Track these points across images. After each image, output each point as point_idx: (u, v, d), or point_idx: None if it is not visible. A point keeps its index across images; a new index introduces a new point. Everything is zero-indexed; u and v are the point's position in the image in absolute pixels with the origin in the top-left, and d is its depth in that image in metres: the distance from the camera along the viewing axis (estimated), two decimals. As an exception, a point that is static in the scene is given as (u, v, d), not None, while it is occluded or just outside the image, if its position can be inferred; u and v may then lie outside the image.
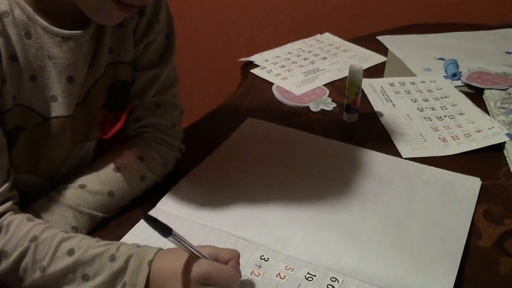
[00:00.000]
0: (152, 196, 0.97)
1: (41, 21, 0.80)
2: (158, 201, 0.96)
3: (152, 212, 0.94)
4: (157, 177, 1.00)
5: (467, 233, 0.91)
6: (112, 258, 0.75)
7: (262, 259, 0.86)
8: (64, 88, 0.85)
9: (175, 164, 1.04)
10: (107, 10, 0.78)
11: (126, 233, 0.90)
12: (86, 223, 0.89)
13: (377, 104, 1.29)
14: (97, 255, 0.75)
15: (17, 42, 0.79)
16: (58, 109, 0.86)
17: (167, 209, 0.95)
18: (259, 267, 0.84)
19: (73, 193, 0.90)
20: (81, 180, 0.92)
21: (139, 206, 0.96)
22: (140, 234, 0.89)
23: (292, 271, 0.84)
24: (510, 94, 1.30)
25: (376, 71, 1.47)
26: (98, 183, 0.92)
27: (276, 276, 0.83)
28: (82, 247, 0.76)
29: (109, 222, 0.93)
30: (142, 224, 0.90)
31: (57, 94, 0.85)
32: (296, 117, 1.24)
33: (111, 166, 0.95)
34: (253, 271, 0.83)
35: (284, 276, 0.83)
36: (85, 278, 0.74)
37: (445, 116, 1.24)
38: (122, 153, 0.97)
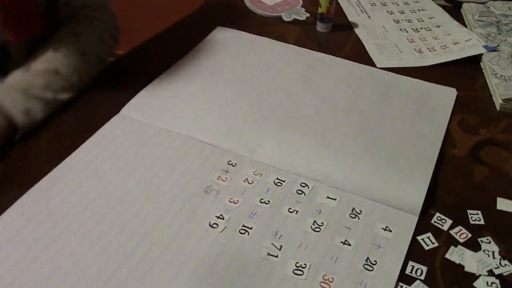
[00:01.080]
0: (118, 103, 0.93)
1: None
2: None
3: (117, 118, 0.90)
4: (96, 54, 0.98)
5: (441, 141, 0.88)
6: None
7: (230, 164, 0.82)
8: None
9: (115, 43, 1.03)
10: None
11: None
12: (38, 107, 0.87)
13: (352, 15, 1.25)
14: None
15: None
16: None
17: (132, 115, 0.91)
18: (226, 172, 0.81)
19: (19, 78, 0.88)
20: (26, 64, 0.89)
21: (104, 111, 0.91)
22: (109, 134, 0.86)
23: (260, 176, 0.81)
24: (488, 7, 1.26)
25: (351, -17, 1.41)
26: (42, 62, 0.90)
27: (244, 181, 0.80)
28: None
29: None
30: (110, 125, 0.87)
31: None
32: (268, 27, 1.19)
33: (51, 46, 0.92)
34: (219, 176, 0.80)
35: (252, 181, 0.80)
36: None
37: (421, 28, 1.20)
38: (58, 35, 0.95)
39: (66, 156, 0.82)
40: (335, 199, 0.77)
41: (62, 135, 0.88)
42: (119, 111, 0.92)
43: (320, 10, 1.16)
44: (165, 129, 0.88)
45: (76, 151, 0.83)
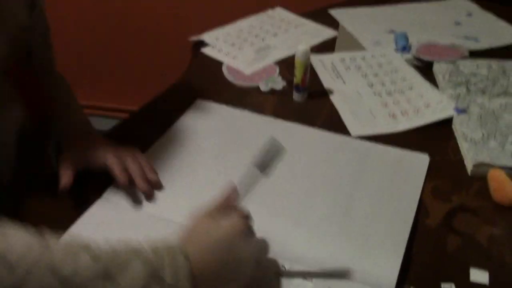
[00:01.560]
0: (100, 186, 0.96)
1: None
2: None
3: (99, 203, 0.92)
4: None
5: (414, 213, 0.91)
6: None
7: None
8: None
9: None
10: None
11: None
12: None
13: (328, 81, 1.29)
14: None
15: None
16: None
17: (115, 199, 0.93)
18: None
19: None
20: None
21: (88, 195, 0.94)
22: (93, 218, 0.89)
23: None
24: (458, 67, 1.30)
25: (327, 46, 1.46)
26: None
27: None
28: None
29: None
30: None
31: None
32: (246, 98, 1.23)
33: None
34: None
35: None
36: None
37: (394, 91, 1.24)
38: None
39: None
40: (311, 281, 0.80)
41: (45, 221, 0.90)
42: (102, 194, 0.94)
43: (295, 81, 1.20)
44: (146, 212, 0.91)
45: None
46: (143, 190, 0.93)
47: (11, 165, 0.99)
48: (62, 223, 0.89)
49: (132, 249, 0.62)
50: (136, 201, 0.93)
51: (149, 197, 0.93)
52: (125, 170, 0.94)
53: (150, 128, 1.11)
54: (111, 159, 0.94)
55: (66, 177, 0.92)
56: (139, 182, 0.93)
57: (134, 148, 1.00)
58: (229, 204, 0.73)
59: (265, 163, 0.76)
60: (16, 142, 0.99)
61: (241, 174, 0.77)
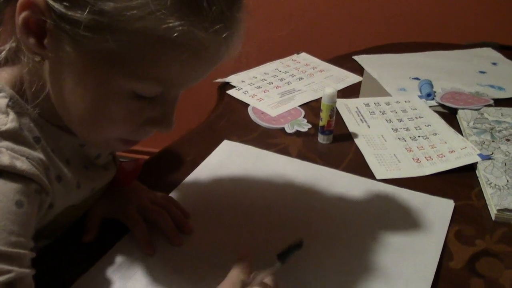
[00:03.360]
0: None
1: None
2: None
3: (124, 241, 0.94)
4: None
5: (438, 257, 0.91)
6: None
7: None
8: (85, 175, 0.86)
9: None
10: (112, 146, 0.81)
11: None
12: None
13: (352, 125, 1.31)
14: None
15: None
16: (83, 193, 0.86)
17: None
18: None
19: None
20: None
21: (113, 235, 0.96)
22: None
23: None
24: (482, 114, 1.31)
25: (351, 91, 1.48)
26: None
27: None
28: None
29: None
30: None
31: (80, 181, 0.84)
32: (272, 139, 1.25)
33: None
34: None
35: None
36: None
37: (419, 137, 1.25)
38: None
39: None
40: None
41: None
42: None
43: (321, 123, 1.22)
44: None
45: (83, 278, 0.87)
46: (174, 245, 0.93)
47: None
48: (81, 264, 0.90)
49: None
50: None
51: (178, 245, 0.93)
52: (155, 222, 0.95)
53: (177, 168, 1.13)
54: (138, 226, 0.93)
55: (90, 234, 0.93)
56: (171, 237, 0.93)
57: (166, 195, 1.02)
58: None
59: (287, 257, 0.80)
60: None
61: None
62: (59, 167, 0.77)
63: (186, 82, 0.73)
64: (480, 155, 1.16)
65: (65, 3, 0.64)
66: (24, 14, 0.66)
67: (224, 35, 0.68)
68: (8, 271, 0.64)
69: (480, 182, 1.11)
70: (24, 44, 0.69)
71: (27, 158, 0.69)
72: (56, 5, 0.64)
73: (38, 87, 0.73)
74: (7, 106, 0.71)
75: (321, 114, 1.21)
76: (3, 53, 0.74)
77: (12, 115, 0.70)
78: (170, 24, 0.63)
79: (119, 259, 0.89)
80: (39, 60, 0.71)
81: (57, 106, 0.75)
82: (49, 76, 0.72)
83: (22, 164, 0.68)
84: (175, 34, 0.64)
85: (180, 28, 0.64)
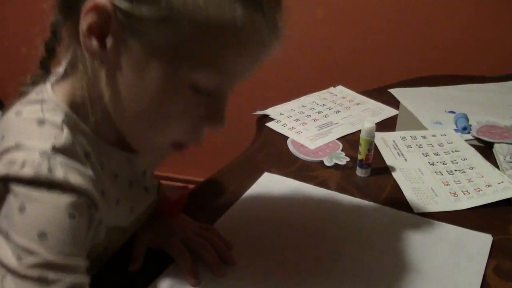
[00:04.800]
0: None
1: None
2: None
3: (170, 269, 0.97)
4: None
5: (478, 290, 0.94)
6: None
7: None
8: (127, 193, 0.90)
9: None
10: (164, 151, 0.86)
11: None
12: None
13: (389, 158, 1.33)
14: None
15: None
16: (122, 211, 0.90)
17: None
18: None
19: None
20: None
21: (157, 265, 0.99)
22: None
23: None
24: (518, 148, 1.33)
25: (388, 124, 1.51)
26: None
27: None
28: None
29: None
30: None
31: (120, 199, 0.88)
32: (311, 171, 1.28)
33: None
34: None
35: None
36: None
37: (455, 171, 1.27)
38: None
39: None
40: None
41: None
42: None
43: (359, 157, 1.25)
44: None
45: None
46: (218, 276, 0.95)
47: None
48: None
49: None
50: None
51: (222, 277, 0.96)
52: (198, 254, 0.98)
53: (219, 198, 1.17)
54: (183, 256, 0.97)
55: (137, 263, 0.96)
56: (215, 269, 0.96)
57: (209, 226, 1.05)
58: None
59: None
60: None
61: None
62: (104, 182, 0.81)
63: (243, 73, 0.77)
64: (517, 189, 1.18)
65: (131, 1, 0.68)
66: (90, 18, 0.70)
67: (278, 25, 0.74)
68: (62, 280, 0.67)
69: (518, 216, 1.12)
70: (87, 48, 0.72)
71: (79, 172, 0.73)
72: (123, 4, 0.68)
73: (94, 98, 0.77)
74: (63, 121, 0.75)
75: (359, 148, 1.24)
76: (62, 67, 0.79)
77: (66, 131, 0.74)
78: (235, 14, 0.68)
79: (166, 289, 0.92)
80: (98, 66, 0.74)
81: (113, 110, 0.78)
82: (107, 79, 0.75)
83: (75, 178, 0.72)
84: (238, 23, 0.68)
85: (243, 17, 0.68)
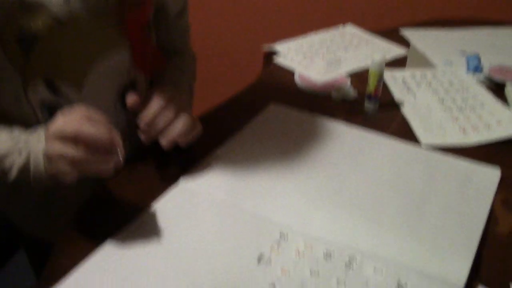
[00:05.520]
0: (175, 175, 0.99)
1: None
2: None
3: (174, 190, 0.96)
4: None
5: (484, 220, 0.92)
6: (19, 153, 0.82)
7: (282, 236, 0.87)
8: None
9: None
10: None
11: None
12: None
13: (398, 95, 1.30)
14: (8, 151, 0.82)
15: None
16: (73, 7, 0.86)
17: (189, 186, 0.97)
18: (279, 243, 0.86)
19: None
20: None
21: (161, 184, 0.98)
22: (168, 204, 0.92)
23: (310, 248, 0.85)
24: (531, 88, 1.30)
25: (398, 64, 1.48)
26: None
27: (295, 253, 0.84)
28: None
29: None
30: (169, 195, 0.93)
31: None
32: (318, 105, 1.26)
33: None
34: (272, 247, 0.85)
35: (303, 252, 0.84)
36: (4, 173, 0.82)
37: (465, 108, 1.25)
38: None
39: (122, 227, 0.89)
40: (382, 272, 0.81)
41: (119, 206, 0.94)
42: (177, 181, 0.98)
43: (368, 90, 1.22)
44: (220, 201, 0.93)
45: (132, 222, 0.89)
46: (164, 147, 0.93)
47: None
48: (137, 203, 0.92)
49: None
50: (210, 189, 0.96)
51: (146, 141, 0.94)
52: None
53: (220, 130, 1.14)
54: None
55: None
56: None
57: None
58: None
59: None
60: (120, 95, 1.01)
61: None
62: None
63: None
64: (528, 126, 1.15)
65: None
66: None
67: None
68: None
69: (528, 153, 1.10)
70: None
71: None
72: None
73: None
74: None
75: (368, 81, 1.21)
76: None
77: None
78: None
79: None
80: None
81: None
82: None
83: None
84: None
85: None
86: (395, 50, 1.55)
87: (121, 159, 0.81)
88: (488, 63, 1.44)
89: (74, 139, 0.77)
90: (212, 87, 2.02)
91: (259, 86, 1.35)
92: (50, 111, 0.92)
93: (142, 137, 0.94)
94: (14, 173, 0.82)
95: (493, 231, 0.91)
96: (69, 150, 0.77)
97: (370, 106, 1.24)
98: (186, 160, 1.04)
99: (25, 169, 0.82)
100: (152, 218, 0.90)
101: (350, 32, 1.67)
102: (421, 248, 0.85)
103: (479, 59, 1.44)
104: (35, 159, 0.81)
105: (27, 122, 0.91)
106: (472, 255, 0.84)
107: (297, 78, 1.37)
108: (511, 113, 1.21)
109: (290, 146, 1.09)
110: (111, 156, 0.80)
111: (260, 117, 1.18)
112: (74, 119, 0.78)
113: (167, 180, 0.99)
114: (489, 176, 1.03)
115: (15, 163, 0.81)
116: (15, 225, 1.12)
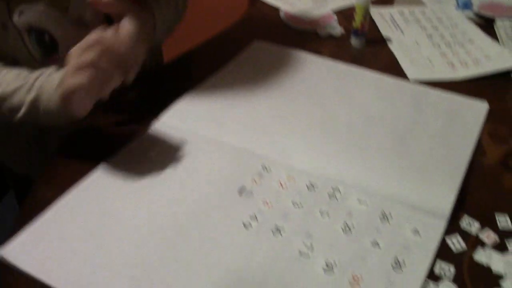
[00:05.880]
0: (156, 110, 0.97)
1: None
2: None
3: (157, 125, 0.94)
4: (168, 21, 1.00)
5: (471, 151, 0.90)
6: (28, 90, 0.81)
7: (264, 168, 0.85)
8: None
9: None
10: None
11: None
12: None
13: (386, 30, 1.28)
14: (17, 88, 0.82)
15: None
16: None
17: (171, 122, 0.94)
18: (261, 176, 0.84)
19: None
20: None
21: (144, 120, 0.96)
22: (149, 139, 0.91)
23: (293, 180, 0.83)
24: (521, 23, 1.27)
25: (386, 1, 1.44)
26: None
27: (277, 184, 0.83)
28: (4, 81, 0.82)
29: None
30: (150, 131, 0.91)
31: None
32: (303, 42, 1.22)
33: None
34: (254, 179, 0.83)
35: (285, 184, 0.83)
36: (12, 111, 0.82)
37: (454, 43, 1.22)
38: None
39: (105, 160, 0.87)
40: (365, 202, 0.80)
41: (101, 140, 0.92)
42: (158, 117, 0.96)
43: (354, 25, 1.19)
44: (202, 135, 0.91)
45: (116, 156, 0.87)
46: None
47: None
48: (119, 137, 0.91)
49: None
50: (192, 125, 0.94)
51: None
52: None
53: (207, 64, 1.12)
54: None
55: None
56: None
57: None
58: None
59: None
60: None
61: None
62: None
63: None
64: (517, 60, 1.13)
65: None
66: None
67: None
68: None
69: (516, 86, 1.08)
70: None
71: None
72: None
73: None
74: None
75: (354, 16, 1.18)
76: None
77: None
78: None
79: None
80: None
81: None
82: None
83: None
84: None
85: None
86: (383, -12, 1.51)
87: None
88: (478, 0, 1.41)
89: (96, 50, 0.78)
90: (198, 25, 1.97)
91: (245, 23, 1.32)
92: (38, 37, 0.90)
93: None
94: (23, 109, 0.81)
95: (479, 162, 0.89)
96: (92, 57, 0.77)
97: (356, 41, 1.21)
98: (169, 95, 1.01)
99: (34, 106, 0.81)
100: (135, 153, 0.88)
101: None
102: (406, 179, 0.83)
103: (469, -5, 1.40)
104: (47, 95, 0.80)
105: (15, 49, 0.89)
106: (458, 186, 0.82)
107: (282, 16, 1.34)
108: (500, 48, 1.19)
109: (274, 81, 1.06)
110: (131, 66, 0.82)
111: (244, 54, 1.16)
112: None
113: (148, 118, 0.96)
114: (476, 109, 1.01)
115: (26, 99, 0.81)
116: (4, 165, 1.10)
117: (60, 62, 0.84)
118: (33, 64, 0.88)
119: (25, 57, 0.90)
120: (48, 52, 0.91)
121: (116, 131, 0.94)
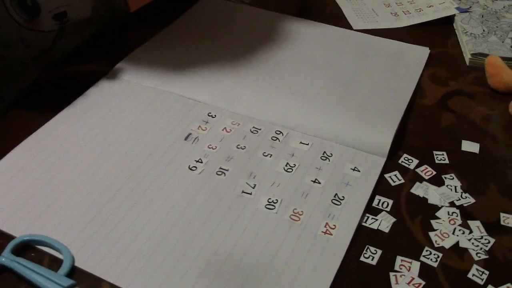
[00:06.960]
0: (106, 64, 0.98)
1: None
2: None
3: (106, 78, 0.94)
4: None
5: (411, 93, 0.93)
6: None
7: (210, 115, 0.87)
8: None
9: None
10: None
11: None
12: None
13: (331, -16, 1.29)
14: None
15: None
16: None
17: (120, 75, 0.95)
18: (206, 122, 0.85)
19: None
20: None
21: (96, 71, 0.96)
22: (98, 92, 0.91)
23: (238, 125, 0.85)
24: (463, -28, 1.30)
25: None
26: None
27: (223, 130, 0.84)
28: None
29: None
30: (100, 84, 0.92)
31: None
32: (251, -4, 1.24)
33: None
34: (200, 126, 0.85)
35: (230, 129, 0.84)
36: None
37: (398, -6, 1.24)
38: None
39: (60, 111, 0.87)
40: (307, 144, 0.82)
41: (54, 91, 0.93)
42: (108, 72, 0.96)
43: (299, -22, 1.20)
44: (150, 87, 0.92)
45: (69, 106, 0.88)
46: None
47: None
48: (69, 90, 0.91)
49: None
50: (141, 78, 0.95)
51: None
52: None
53: (156, 22, 1.12)
54: None
55: None
56: None
57: None
58: None
59: None
60: None
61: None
62: None
63: None
64: (458, 8, 1.15)
65: None
66: None
67: None
68: None
69: (457, 32, 1.11)
70: None
71: None
72: None
73: None
74: None
75: (300, -32, 1.19)
76: None
77: None
78: None
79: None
80: None
81: None
82: None
83: None
84: None
85: None
86: None
87: None
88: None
89: None
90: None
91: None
92: (20, 1, 0.88)
93: None
94: None
95: (419, 103, 0.92)
96: None
97: (302, -6, 1.22)
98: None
99: None
100: (87, 104, 0.89)
101: None
102: (348, 121, 0.86)
103: None
104: None
105: None
106: (397, 125, 0.85)
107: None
108: (443, -4, 1.21)
109: (222, 35, 1.07)
110: None
111: (193, 9, 1.16)
112: None
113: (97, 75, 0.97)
114: (418, 54, 1.03)
115: None
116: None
117: (42, 26, 0.83)
118: (15, 28, 0.88)
119: (6, 21, 0.89)
120: (31, 16, 0.90)
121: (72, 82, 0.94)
